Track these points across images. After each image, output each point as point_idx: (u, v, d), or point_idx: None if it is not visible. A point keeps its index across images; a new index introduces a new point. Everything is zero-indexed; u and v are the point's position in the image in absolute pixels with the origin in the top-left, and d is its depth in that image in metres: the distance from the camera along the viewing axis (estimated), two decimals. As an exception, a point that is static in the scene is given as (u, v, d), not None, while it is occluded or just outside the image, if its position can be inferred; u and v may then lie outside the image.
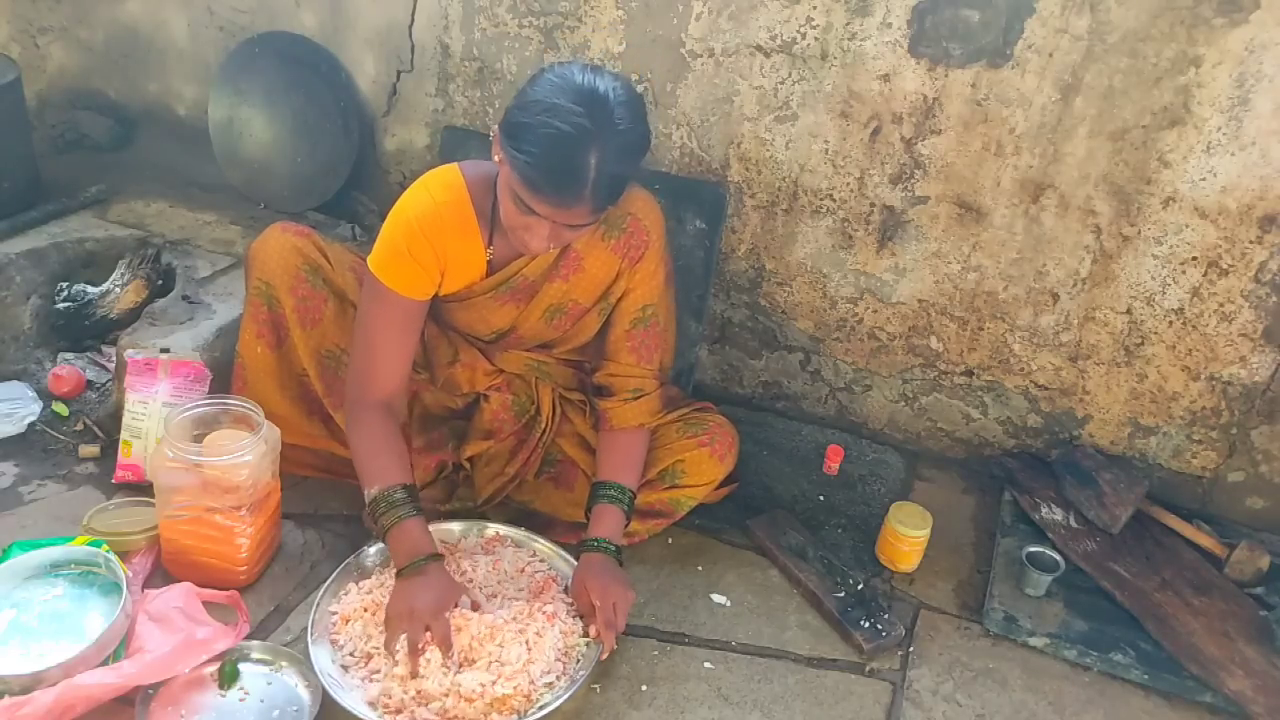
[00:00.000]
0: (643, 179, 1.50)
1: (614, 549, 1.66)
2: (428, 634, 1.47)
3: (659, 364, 1.84)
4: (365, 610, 1.56)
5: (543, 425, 1.88)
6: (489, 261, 1.69)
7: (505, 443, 1.88)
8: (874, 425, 2.34)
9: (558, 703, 1.45)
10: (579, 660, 1.54)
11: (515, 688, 1.43)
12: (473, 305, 1.74)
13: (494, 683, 1.44)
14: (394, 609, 1.50)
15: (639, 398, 1.78)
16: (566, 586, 1.66)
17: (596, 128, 1.36)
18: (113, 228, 2.32)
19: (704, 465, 1.83)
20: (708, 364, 2.41)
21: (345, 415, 1.70)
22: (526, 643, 1.51)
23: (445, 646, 1.46)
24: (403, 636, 1.46)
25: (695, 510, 1.88)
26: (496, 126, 1.46)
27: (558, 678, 1.49)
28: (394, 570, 1.57)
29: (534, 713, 1.43)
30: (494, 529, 1.78)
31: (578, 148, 1.36)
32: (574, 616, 1.60)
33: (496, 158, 1.47)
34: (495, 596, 1.62)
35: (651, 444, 1.83)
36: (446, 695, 1.41)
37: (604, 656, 1.55)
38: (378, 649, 1.49)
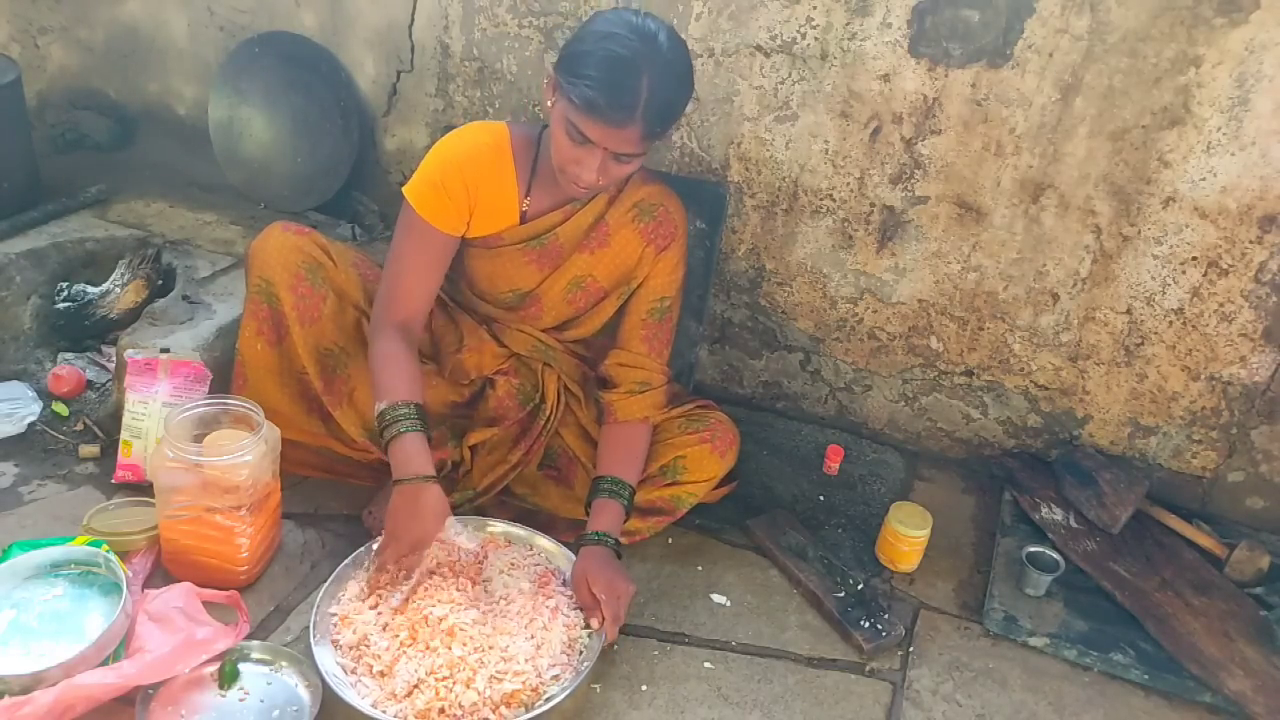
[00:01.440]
0: (677, 121, 1.63)
1: (613, 542, 1.67)
2: (400, 567, 1.56)
3: (667, 359, 1.86)
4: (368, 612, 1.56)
5: (547, 413, 1.89)
6: (523, 213, 1.75)
7: (509, 430, 1.88)
8: (874, 425, 2.34)
9: (563, 695, 1.46)
10: (582, 652, 1.54)
11: (524, 682, 1.44)
12: (499, 255, 1.79)
13: (502, 678, 1.44)
14: (395, 516, 1.58)
15: (644, 391, 1.80)
16: (565, 580, 1.67)
17: (649, 52, 1.48)
18: (113, 228, 2.32)
19: (705, 461, 1.83)
20: (708, 364, 2.41)
21: (371, 333, 1.74)
22: (533, 637, 1.52)
23: (406, 577, 1.56)
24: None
25: (695, 510, 1.88)
26: (551, 68, 1.57)
27: (562, 670, 1.50)
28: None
29: (541, 705, 1.44)
30: (494, 526, 1.77)
31: (632, 67, 1.47)
32: (575, 609, 1.61)
33: (549, 100, 1.57)
34: (495, 594, 1.62)
35: (653, 439, 1.84)
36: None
37: (607, 645, 1.56)
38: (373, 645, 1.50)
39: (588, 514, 1.73)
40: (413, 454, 1.60)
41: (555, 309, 1.84)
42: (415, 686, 1.43)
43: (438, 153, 1.71)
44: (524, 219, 1.76)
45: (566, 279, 1.80)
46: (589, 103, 1.47)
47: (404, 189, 1.71)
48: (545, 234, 1.76)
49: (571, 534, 1.79)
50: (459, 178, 1.69)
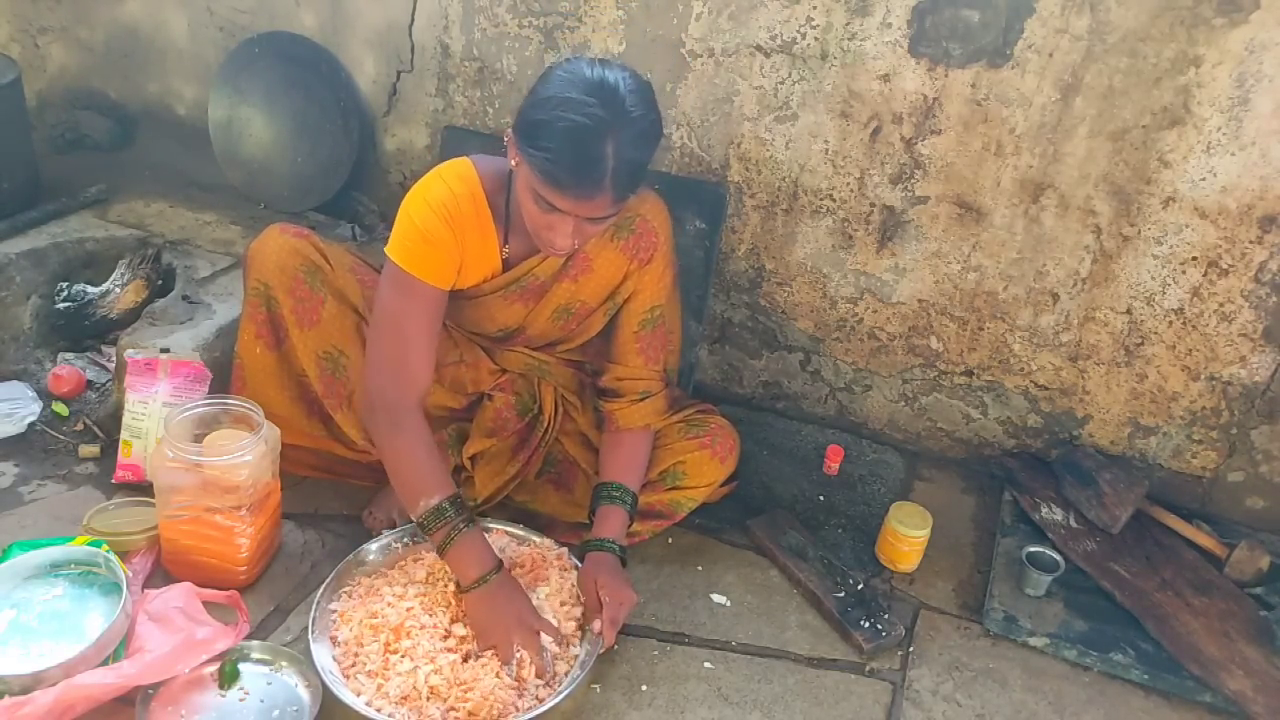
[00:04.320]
0: (645, 179, 1.53)
1: (619, 549, 1.68)
2: (519, 650, 1.49)
3: (665, 365, 1.85)
4: (367, 611, 1.56)
5: (545, 424, 1.88)
6: (505, 260, 1.69)
7: (507, 441, 1.88)
8: (874, 425, 2.34)
9: (563, 695, 1.46)
10: (582, 646, 1.56)
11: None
12: (483, 303, 1.75)
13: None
14: (483, 623, 1.52)
15: (646, 399, 1.79)
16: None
17: (611, 116, 1.38)
18: (113, 228, 2.32)
19: (705, 467, 1.83)
20: (708, 364, 2.41)
21: (378, 417, 1.62)
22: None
23: (538, 657, 1.49)
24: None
25: (695, 510, 1.88)
26: (510, 131, 1.47)
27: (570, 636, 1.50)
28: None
29: (541, 705, 1.44)
30: (494, 527, 1.78)
31: (594, 138, 1.37)
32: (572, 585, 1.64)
33: (513, 161, 1.48)
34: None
35: (653, 444, 1.83)
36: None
37: (604, 650, 1.56)
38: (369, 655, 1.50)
39: (590, 520, 1.74)
40: (482, 551, 1.57)
41: (544, 332, 1.81)
42: (406, 696, 1.44)
43: (417, 207, 1.58)
44: (506, 266, 1.69)
45: (552, 307, 1.75)
46: (552, 177, 1.39)
47: (386, 250, 1.59)
48: (525, 275, 1.70)
49: (571, 536, 1.79)
50: (446, 230, 1.58)
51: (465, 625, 1.54)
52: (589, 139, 1.37)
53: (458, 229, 1.60)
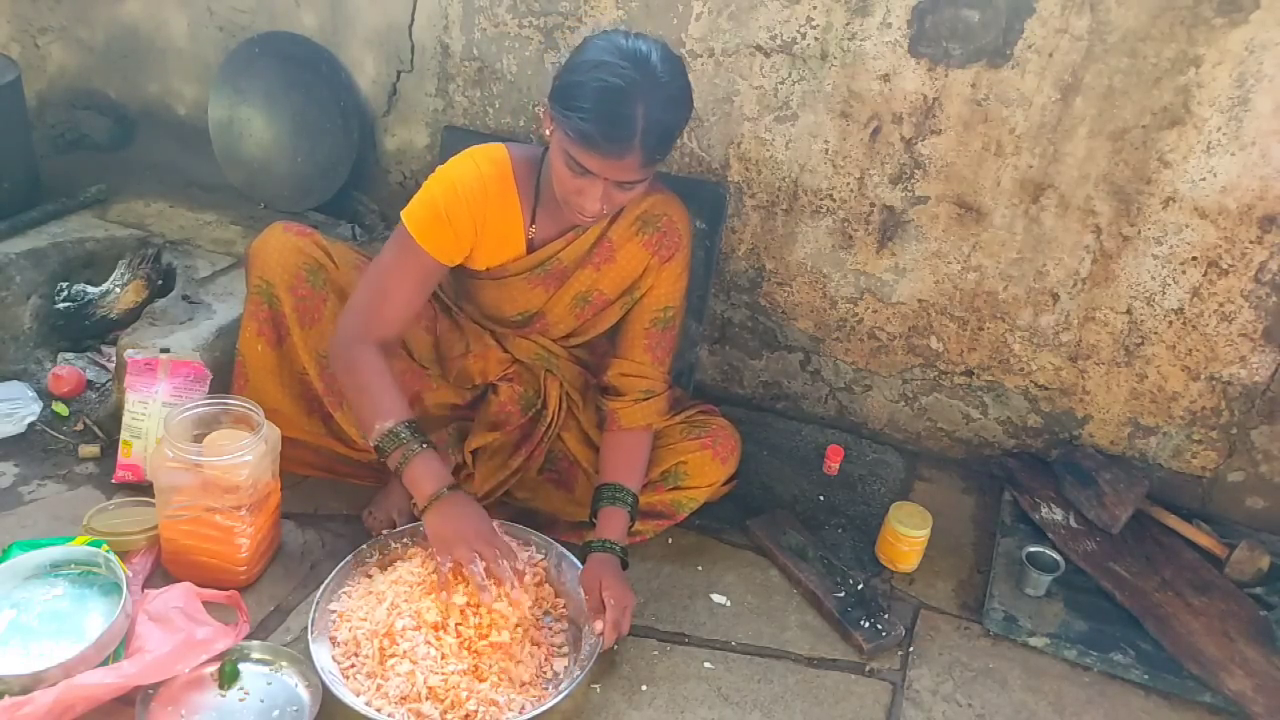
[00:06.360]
0: (673, 145, 1.60)
1: (620, 551, 1.68)
2: (480, 560, 1.52)
3: (669, 366, 1.86)
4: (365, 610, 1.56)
5: (548, 420, 1.88)
6: (529, 241, 1.73)
7: (509, 436, 1.89)
8: (874, 425, 2.34)
9: (563, 695, 1.46)
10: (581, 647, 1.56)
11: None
12: (506, 284, 1.77)
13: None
14: (440, 535, 1.55)
15: (649, 398, 1.80)
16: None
17: (643, 78, 1.44)
18: (113, 228, 2.32)
19: (706, 467, 1.84)
20: (708, 364, 2.41)
21: (337, 355, 1.66)
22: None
23: (511, 558, 1.55)
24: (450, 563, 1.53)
25: (695, 510, 1.88)
26: (545, 99, 1.53)
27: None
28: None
29: (541, 705, 1.44)
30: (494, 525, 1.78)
31: (626, 98, 1.44)
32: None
33: (546, 130, 1.54)
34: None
35: (654, 444, 1.84)
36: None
37: (604, 650, 1.57)
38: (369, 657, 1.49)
39: (590, 519, 1.74)
40: (437, 470, 1.60)
41: (561, 321, 1.84)
42: (405, 696, 1.43)
43: (443, 182, 1.64)
44: (530, 248, 1.74)
45: (572, 294, 1.78)
46: (585, 136, 1.45)
47: (403, 213, 1.65)
48: (550, 259, 1.74)
49: (572, 534, 1.80)
50: (465, 211, 1.64)
51: (466, 626, 1.54)
52: (621, 99, 1.44)
53: (477, 212, 1.65)
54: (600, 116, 1.44)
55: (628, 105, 1.43)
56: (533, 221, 1.71)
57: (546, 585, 1.66)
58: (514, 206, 1.69)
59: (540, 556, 1.68)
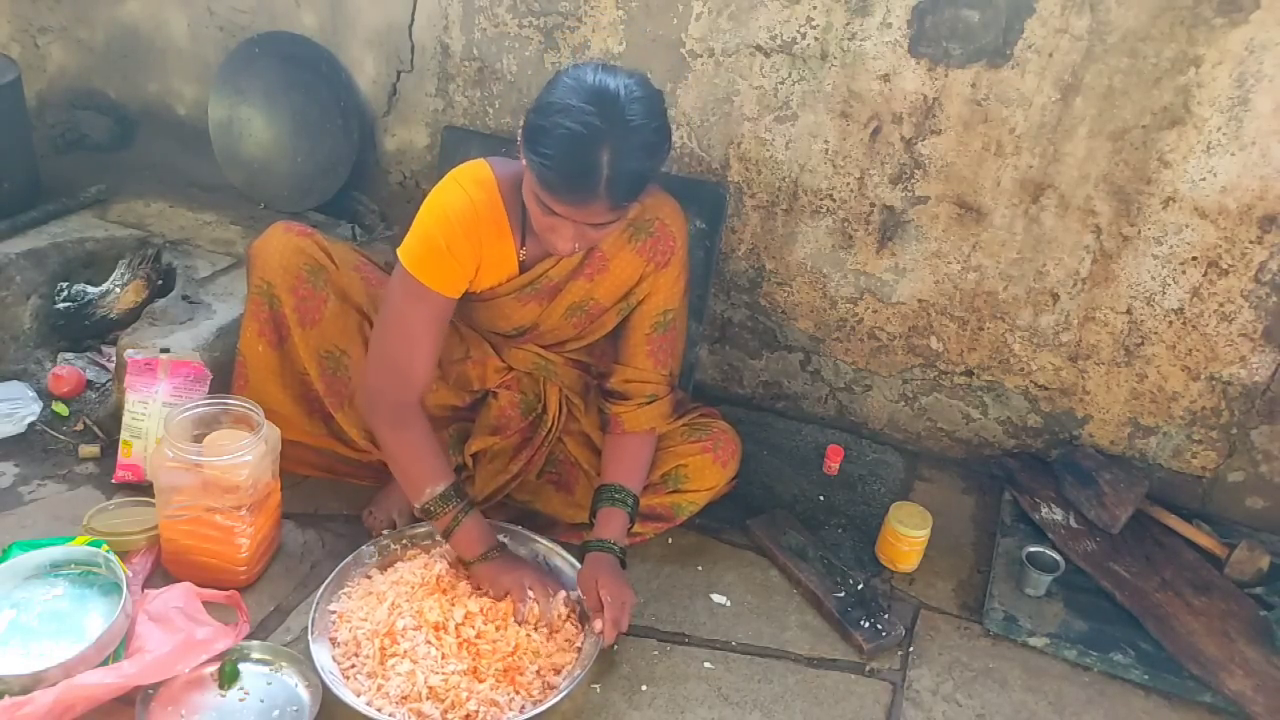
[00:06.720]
0: (649, 187, 1.54)
1: (619, 551, 1.68)
2: (531, 592, 1.59)
3: (674, 365, 1.85)
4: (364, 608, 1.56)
5: (549, 424, 1.88)
6: (521, 262, 1.70)
7: (510, 440, 1.88)
8: (874, 425, 2.34)
9: (563, 695, 1.46)
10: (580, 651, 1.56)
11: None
12: (497, 304, 1.75)
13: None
14: (494, 579, 1.61)
15: (652, 402, 1.79)
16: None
17: (608, 125, 1.38)
18: (113, 228, 2.32)
19: (706, 471, 1.84)
20: (708, 364, 2.41)
21: (380, 415, 1.64)
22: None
23: (545, 599, 1.60)
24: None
25: (695, 512, 1.87)
26: (520, 133, 1.47)
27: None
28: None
29: (540, 705, 1.45)
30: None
31: (589, 146, 1.38)
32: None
33: (523, 163, 1.49)
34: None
35: (656, 446, 1.83)
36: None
37: (604, 649, 1.57)
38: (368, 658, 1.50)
39: (591, 520, 1.74)
40: (485, 531, 1.66)
41: (556, 330, 1.82)
42: (406, 696, 1.44)
43: (435, 214, 1.59)
44: (523, 268, 1.70)
45: (565, 305, 1.75)
46: (548, 183, 1.41)
47: (400, 254, 1.59)
48: (540, 277, 1.70)
49: (571, 536, 1.80)
50: (464, 240, 1.59)
51: (465, 625, 1.54)
52: (583, 147, 1.38)
53: (475, 240, 1.61)
54: (562, 165, 1.38)
55: (592, 154, 1.37)
56: (523, 244, 1.67)
57: (574, 621, 1.65)
58: (505, 229, 1.64)
59: (575, 595, 1.67)
